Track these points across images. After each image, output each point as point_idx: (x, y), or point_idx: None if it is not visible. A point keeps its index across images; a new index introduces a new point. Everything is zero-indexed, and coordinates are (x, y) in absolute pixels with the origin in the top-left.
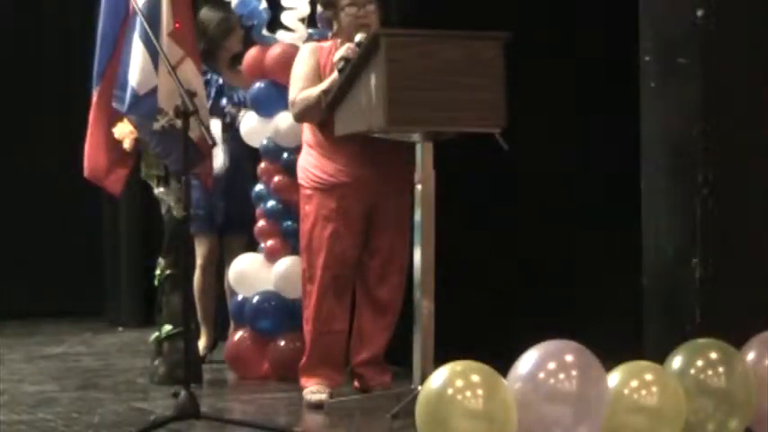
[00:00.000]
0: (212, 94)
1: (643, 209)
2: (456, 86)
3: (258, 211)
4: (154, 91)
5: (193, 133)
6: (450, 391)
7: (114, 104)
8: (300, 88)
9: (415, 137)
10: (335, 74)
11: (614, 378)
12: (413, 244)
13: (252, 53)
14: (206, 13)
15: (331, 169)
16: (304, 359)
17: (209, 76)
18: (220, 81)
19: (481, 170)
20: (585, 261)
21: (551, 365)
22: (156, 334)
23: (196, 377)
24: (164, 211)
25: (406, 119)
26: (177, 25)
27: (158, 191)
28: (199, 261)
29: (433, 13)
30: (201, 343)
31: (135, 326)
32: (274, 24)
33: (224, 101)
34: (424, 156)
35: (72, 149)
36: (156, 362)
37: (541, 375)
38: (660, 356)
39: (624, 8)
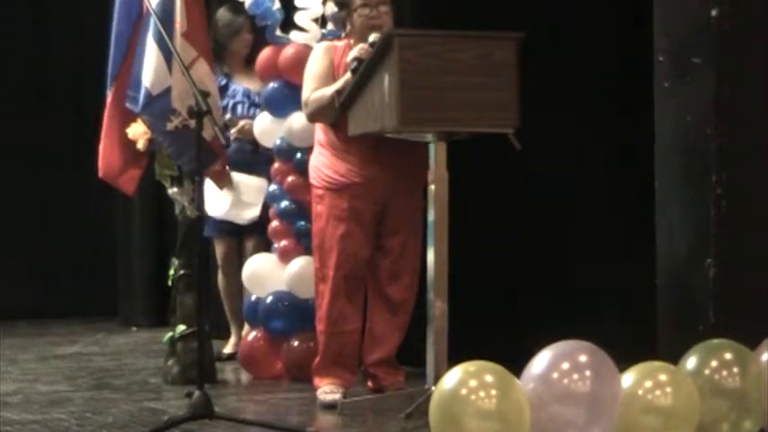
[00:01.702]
0: None
1: (657, 209)
2: (469, 86)
3: (271, 211)
4: (167, 91)
5: (207, 133)
6: (463, 391)
7: (128, 105)
8: (313, 88)
9: (428, 137)
10: (348, 74)
11: (628, 378)
12: (426, 244)
13: (265, 54)
14: (220, 13)
15: (342, 169)
16: (317, 359)
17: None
18: (222, 82)
19: (491, 169)
20: (599, 261)
21: (565, 366)
22: (170, 334)
23: (210, 377)
24: (177, 211)
25: (419, 119)
26: (177, 25)
27: (172, 191)
28: (219, 262)
29: (445, 14)
30: (231, 341)
31: (148, 326)
32: (288, 25)
33: (224, 101)
34: (437, 156)
35: (86, 150)
36: (170, 362)
37: (555, 376)
38: (674, 357)
39: (638, 7)
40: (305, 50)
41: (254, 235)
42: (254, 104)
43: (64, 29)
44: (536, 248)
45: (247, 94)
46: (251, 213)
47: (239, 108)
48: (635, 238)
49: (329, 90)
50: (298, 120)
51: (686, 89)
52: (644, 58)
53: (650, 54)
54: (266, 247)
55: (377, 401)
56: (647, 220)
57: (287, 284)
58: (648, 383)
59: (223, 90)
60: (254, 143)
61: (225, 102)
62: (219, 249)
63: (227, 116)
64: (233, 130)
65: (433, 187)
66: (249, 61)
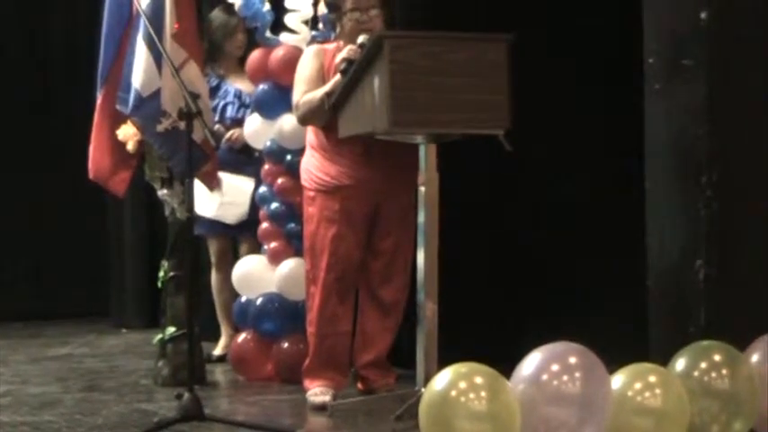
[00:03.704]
0: None
1: (647, 210)
2: (460, 88)
3: (262, 213)
4: (157, 93)
5: (197, 135)
6: (453, 392)
7: (118, 106)
8: (304, 91)
9: (419, 138)
10: (338, 76)
11: (618, 380)
12: (416, 245)
13: (255, 55)
14: (215, 14)
15: (334, 171)
16: (308, 361)
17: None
18: (214, 83)
19: (484, 170)
20: (589, 263)
21: (555, 367)
22: (160, 336)
23: (200, 379)
24: (167, 212)
25: (409, 121)
26: (176, 26)
27: (162, 193)
28: (212, 259)
29: (436, 15)
30: (221, 343)
31: (139, 327)
32: (278, 26)
33: (215, 102)
34: (427, 157)
35: (76, 151)
36: (160, 363)
37: (545, 377)
38: (664, 358)
39: (629, 9)
40: (295, 52)
41: (247, 237)
42: (244, 105)
43: (55, 29)
44: (526, 251)
45: (238, 95)
46: (237, 213)
47: (229, 109)
48: (626, 240)
49: (319, 92)
50: (288, 121)
51: (677, 91)
52: (635, 59)
53: (641, 55)
54: (260, 249)
55: (367, 403)
56: (638, 222)
57: (277, 286)
58: (638, 385)
59: (215, 90)
60: (245, 146)
61: (216, 102)
62: (213, 247)
63: (216, 127)
64: (223, 140)
65: (423, 189)
66: (242, 62)
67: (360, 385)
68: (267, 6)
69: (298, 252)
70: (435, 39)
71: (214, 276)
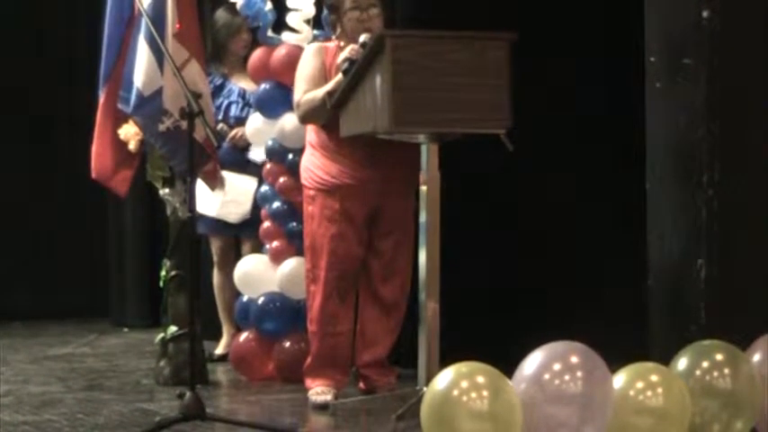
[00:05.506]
0: None
1: (648, 209)
2: (461, 87)
3: (263, 212)
4: (159, 92)
5: (198, 134)
6: (455, 392)
7: (119, 106)
8: (305, 90)
9: (421, 138)
10: (340, 75)
11: (619, 379)
12: (418, 245)
13: (257, 54)
14: (219, 13)
15: (334, 171)
16: (309, 360)
17: (209, 77)
18: (219, 82)
19: (485, 170)
20: (590, 262)
21: (556, 367)
22: (162, 335)
23: (201, 378)
24: (169, 212)
25: (411, 120)
26: (178, 26)
27: (163, 192)
28: (214, 258)
29: (437, 14)
30: (223, 342)
31: (140, 327)
32: (279, 25)
33: (219, 101)
34: (429, 157)
35: (78, 150)
36: (162, 363)
37: (546, 377)
38: (665, 357)
39: (631, 8)
40: (296, 51)
41: (249, 236)
42: (248, 104)
43: (57, 28)
44: (527, 250)
45: (242, 95)
46: (240, 212)
47: (233, 108)
48: (627, 239)
49: (321, 91)
50: (290, 121)
51: (678, 90)
52: (637, 58)
53: (642, 55)
54: (262, 248)
55: (368, 402)
56: (640, 221)
57: (279, 285)
58: (640, 384)
59: (219, 89)
60: (248, 145)
61: (220, 101)
62: (215, 245)
63: (220, 126)
64: (226, 140)
65: (424, 188)
66: (246, 61)
67: (361, 384)
68: (269, 5)
69: (299, 251)
70: (437, 38)
71: (216, 275)
